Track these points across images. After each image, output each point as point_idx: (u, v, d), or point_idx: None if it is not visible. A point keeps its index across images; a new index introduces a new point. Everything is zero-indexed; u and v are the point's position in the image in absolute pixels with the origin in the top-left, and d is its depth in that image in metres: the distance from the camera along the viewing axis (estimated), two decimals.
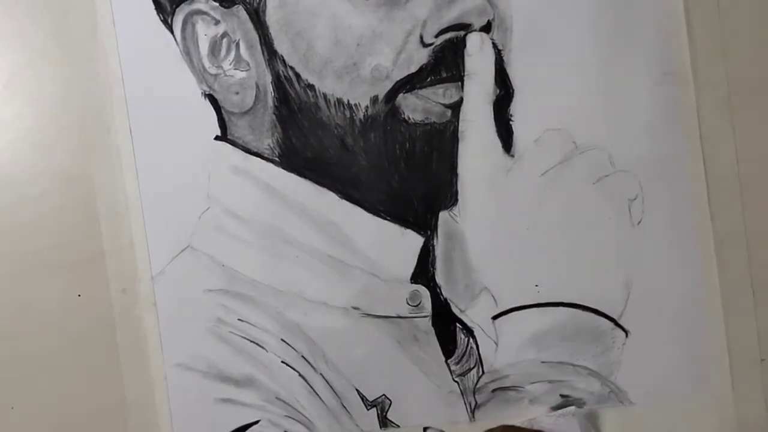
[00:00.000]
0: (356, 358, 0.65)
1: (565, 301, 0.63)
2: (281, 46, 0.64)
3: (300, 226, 0.65)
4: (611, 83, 0.64)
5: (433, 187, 0.64)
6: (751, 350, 0.63)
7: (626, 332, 0.63)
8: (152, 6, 0.65)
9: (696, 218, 0.63)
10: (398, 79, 0.63)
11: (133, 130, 0.66)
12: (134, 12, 0.65)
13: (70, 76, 0.66)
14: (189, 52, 0.65)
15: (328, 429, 0.65)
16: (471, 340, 0.65)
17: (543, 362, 0.64)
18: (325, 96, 0.64)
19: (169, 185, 0.66)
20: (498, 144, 0.64)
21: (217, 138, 0.66)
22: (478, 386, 0.65)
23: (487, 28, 0.63)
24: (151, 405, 0.67)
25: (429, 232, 0.65)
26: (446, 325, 0.65)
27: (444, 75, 0.63)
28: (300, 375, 0.65)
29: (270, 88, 0.64)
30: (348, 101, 0.64)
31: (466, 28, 0.63)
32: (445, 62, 0.63)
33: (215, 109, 0.65)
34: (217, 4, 0.64)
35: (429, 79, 0.63)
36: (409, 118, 0.64)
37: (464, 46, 0.63)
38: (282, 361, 0.66)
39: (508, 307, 0.64)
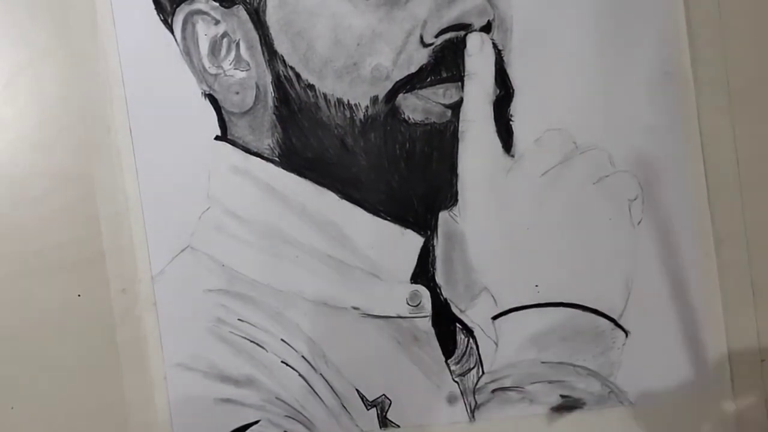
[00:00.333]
0: (356, 358, 0.65)
1: (565, 301, 0.63)
2: (281, 46, 0.64)
3: (300, 226, 0.65)
4: (611, 83, 0.64)
5: (433, 187, 0.64)
6: (751, 350, 0.63)
7: (626, 332, 0.63)
8: (152, 6, 0.65)
9: (696, 218, 0.63)
10: (398, 79, 0.63)
11: (133, 130, 0.66)
12: (134, 12, 0.65)
13: (70, 76, 0.66)
14: (189, 52, 0.65)
15: (328, 429, 0.66)
16: (471, 340, 0.65)
17: (543, 362, 0.64)
18: (325, 96, 0.64)
19: (169, 185, 0.66)
20: (498, 144, 0.64)
21: (217, 138, 0.66)
22: (478, 386, 0.65)
23: (487, 28, 0.63)
24: (151, 405, 0.67)
25: (429, 233, 0.65)
26: (446, 326, 0.65)
27: (444, 75, 0.63)
28: (300, 375, 0.65)
29: (270, 88, 0.65)
30: (348, 101, 0.64)
31: (466, 28, 0.63)
32: (445, 62, 0.63)
33: (215, 109, 0.65)
34: (217, 4, 0.64)
35: (429, 79, 0.63)
36: (409, 118, 0.64)
37: (464, 46, 0.63)
38: (282, 361, 0.66)
39: (508, 308, 0.64)
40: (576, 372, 0.64)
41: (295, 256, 0.65)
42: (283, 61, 0.64)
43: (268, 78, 0.64)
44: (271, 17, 0.64)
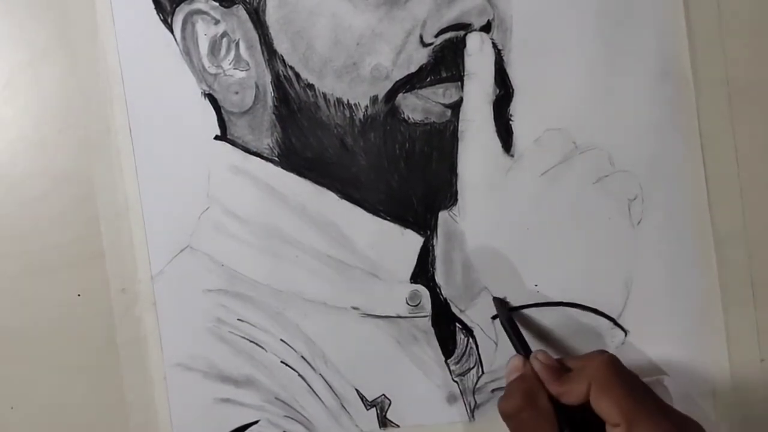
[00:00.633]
0: (356, 358, 0.65)
1: (564, 300, 0.63)
2: (281, 46, 0.64)
3: (299, 225, 0.65)
4: (611, 83, 0.63)
5: (433, 187, 0.64)
6: (751, 350, 0.63)
7: (625, 332, 0.63)
8: (152, 6, 0.65)
9: (696, 218, 0.63)
10: (398, 78, 0.63)
11: (132, 130, 0.66)
12: (134, 12, 0.65)
13: (70, 76, 0.66)
14: (189, 51, 0.65)
15: (328, 429, 0.65)
16: (471, 340, 0.65)
17: None
18: (324, 96, 0.64)
19: (169, 185, 0.66)
20: (498, 144, 0.64)
21: (216, 138, 0.66)
22: (477, 386, 0.65)
23: (487, 28, 0.63)
24: (151, 405, 0.67)
25: (429, 232, 0.65)
26: (446, 325, 0.65)
27: (444, 75, 0.63)
28: (299, 375, 0.65)
29: (269, 88, 0.64)
30: (348, 101, 0.64)
31: (465, 27, 0.63)
32: (445, 62, 0.63)
33: (215, 108, 0.65)
34: (217, 3, 0.64)
35: (429, 79, 0.63)
36: (409, 118, 0.64)
37: (464, 45, 0.63)
38: (281, 361, 0.66)
39: (507, 307, 0.64)
40: None
41: (295, 256, 0.65)
42: (283, 60, 0.64)
43: (268, 78, 0.64)
44: (271, 17, 0.64)
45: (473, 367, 0.65)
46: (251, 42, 0.64)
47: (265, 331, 0.65)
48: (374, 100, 0.63)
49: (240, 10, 0.64)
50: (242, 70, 0.65)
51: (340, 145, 0.64)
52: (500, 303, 0.62)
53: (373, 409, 0.65)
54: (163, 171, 0.66)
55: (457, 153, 0.64)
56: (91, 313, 0.67)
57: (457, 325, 0.65)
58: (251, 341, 0.66)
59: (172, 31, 0.65)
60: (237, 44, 0.65)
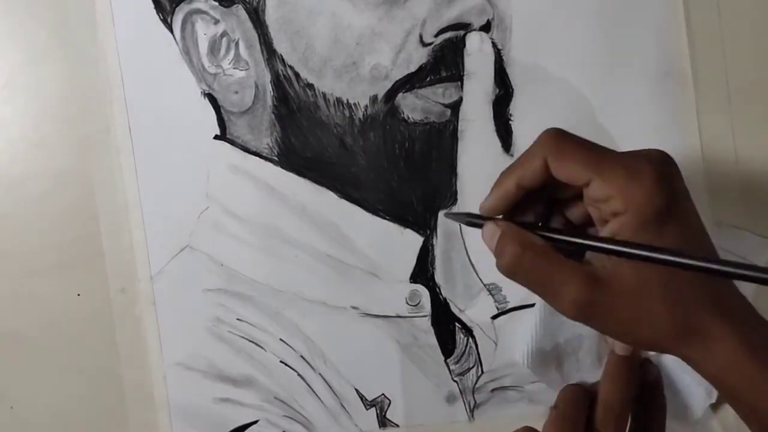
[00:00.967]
0: (355, 358, 0.65)
1: None
2: (280, 45, 0.64)
3: (299, 225, 0.65)
4: (611, 83, 0.64)
5: (433, 187, 0.64)
6: None
7: None
8: (152, 5, 0.65)
9: None
10: (397, 78, 0.63)
11: (132, 130, 0.66)
12: (134, 11, 0.65)
13: (70, 75, 0.66)
14: (188, 51, 0.65)
15: (327, 429, 0.65)
16: (470, 339, 0.65)
17: None
18: (324, 95, 0.64)
19: (169, 185, 0.66)
20: (497, 143, 0.64)
21: (216, 137, 0.66)
22: (477, 386, 0.65)
23: (486, 28, 0.63)
24: (151, 404, 0.67)
25: (428, 232, 0.65)
26: (445, 325, 0.65)
27: (443, 74, 0.63)
28: (299, 375, 0.65)
29: (269, 88, 0.64)
30: (347, 100, 0.64)
31: (465, 27, 0.63)
32: (445, 62, 0.63)
33: (214, 108, 0.65)
34: (217, 3, 0.64)
35: (428, 79, 0.63)
36: (409, 118, 0.64)
37: (464, 45, 0.63)
38: (281, 361, 0.65)
39: (507, 307, 0.64)
40: None
41: (294, 255, 0.65)
42: (282, 60, 0.64)
43: (267, 77, 0.64)
44: (271, 16, 0.64)
45: (473, 367, 0.65)
46: (251, 41, 0.64)
47: (264, 330, 0.65)
48: (374, 99, 0.63)
49: (239, 10, 0.64)
50: (242, 70, 0.65)
51: (340, 144, 0.64)
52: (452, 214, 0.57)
53: (373, 408, 0.65)
54: (162, 170, 0.66)
55: (456, 153, 0.64)
56: (91, 313, 0.67)
57: (457, 324, 0.65)
58: (251, 341, 0.66)
59: (171, 31, 0.65)
60: (236, 44, 0.65)
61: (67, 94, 0.67)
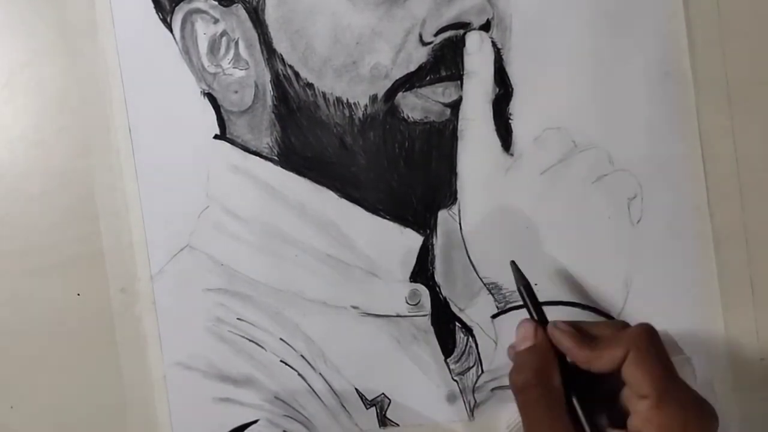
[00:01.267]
0: (355, 358, 0.65)
1: (564, 299, 0.63)
2: (280, 45, 0.64)
3: (299, 225, 0.65)
4: (611, 82, 0.64)
5: (433, 186, 0.64)
6: (751, 350, 0.63)
7: None
8: (151, 5, 0.65)
9: (695, 217, 0.63)
10: (397, 77, 0.63)
11: (132, 130, 0.66)
12: (133, 11, 0.65)
13: (70, 75, 0.66)
14: (188, 50, 0.65)
15: (327, 428, 0.65)
16: (470, 338, 0.65)
17: None
18: (324, 95, 0.64)
19: (168, 184, 0.66)
20: (497, 143, 0.64)
21: (216, 137, 0.66)
22: (477, 385, 0.65)
23: (486, 27, 0.63)
24: (151, 404, 0.67)
25: (428, 231, 0.65)
26: (445, 324, 0.65)
27: (443, 74, 0.63)
28: (299, 374, 0.65)
29: (269, 87, 0.65)
30: (347, 100, 0.64)
31: (465, 26, 0.63)
32: (445, 61, 0.63)
33: (214, 107, 0.65)
34: (216, 2, 0.64)
35: (428, 78, 0.63)
36: (409, 117, 0.64)
37: (463, 44, 0.63)
38: (281, 361, 0.65)
39: (507, 306, 0.64)
40: None
41: (294, 255, 0.65)
42: (282, 59, 0.64)
43: (267, 77, 0.64)
44: (270, 16, 0.64)
45: (473, 366, 0.65)
46: (250, 41, 0.64)
47: (264, 330, 0.65)
48: (374, 99, 0.63)
49: (239, 9, 0.64)
50: (241, 69, 0.65)
51: (340, 144, 0.64)
52: (516, 268, 0.60)
53: (373, 408, 0.65)
54: (162, 170, 0.66)
55: (456, 152, 0.64)
56: (91, 312, 0.67)
57: (457, 324, 0.65)
58: (251, 340, 0.66)
59: (171, 31, 0.65)
60: (236, 43, 0.65)
61: (66, 93, 0.67)
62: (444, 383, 0.65)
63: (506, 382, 0.63)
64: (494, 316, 0.64)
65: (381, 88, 0.63)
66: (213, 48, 0.65)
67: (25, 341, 0.67)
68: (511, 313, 0.64)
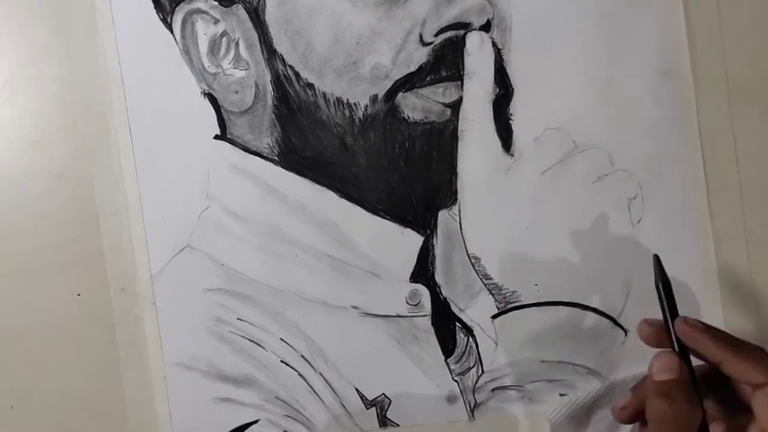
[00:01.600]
0: (356, 358, 0.65)
1: (564, 300, 0.63)
2: (280, 45, 0.64)
3: (299, 225, 0.65)
4: (611, 82, 0.64)
5: (433, 186, 0.64)
6: None
7: (626, 331, 0.63)
8: (151, 5, 0.65)
9: (695, 218, 0.63)
10: (398, 78, 0.63)
11: (132, 130, 0.66)
12: (134, 11, 0.65)
13: (70, 75, 0.66)
14: (188, 51, 0.65)
15: (328, 428, 0.65)
16: (470, 339, 0.65)
17: (542, 361, 0.64)
18: (324, 95, 0.64)
19: (168, 184, 0.66)
20: (497, 143, 0.64)
21: (216, 137, 0.66)
22: (477, 385, 0.65)
23: (486, 27, 0.63)
24: (151, 404, 0.67)
25: (428, 231, 0.65)
26: (446, 324, 0.65)
27: (443, 74, 0.63)
28: (299, 374, 0.65)
29: (269, 87, 0.65)
30: (347, 100, 0.64)
31: (465, 27, 0.63)
32: (445, 61, 0.63)
33: (214, 108, 0.65)
34: (217, 3, 0.64)
35: (428, 78, 0.63)
36: (409, 117, 0.64)
37: (464, 45, 0.63)
38: (281, 361, 0.65)
39: (507, 306, 0.64)
40: (575, 371, 0.64)
41: (295, 255, 0.65)
42: (283, 59, 0.64)
43: (268, 77, 0.64)
44: (271, 16, 0.64)
45: (473, 367, 0.65)
46: (251, 41, 0.64)
47: (264, 330, 0.65)
48: (374, 99, 0.63)
49: (239, 10, 0.64)
50: (242, 70, 0.65)
51: (340, 144, 0.64)
52: (659, 263, 0.58)
53: (373, 408, 0.65)
54: (162, 170, 0.66)
55: (456, 152, 0.64)
56: (91, 312, 0.67)
57: (457, 324, 0.65)
58: (251, 340, 0.66)
59: (171, 31, 0.65)
60: (237, 43, 0.65)
61: (66, 93, 0.67)
62: (444, 383, 0.65)
63: (507, 382, 0.64)
64: (494, 317, 0.64)
65: (381, 89, 0.63)
66: (213, 48, 0.65)
67: (25, 341, 0.67)
68: (511, 313, 0.64)
